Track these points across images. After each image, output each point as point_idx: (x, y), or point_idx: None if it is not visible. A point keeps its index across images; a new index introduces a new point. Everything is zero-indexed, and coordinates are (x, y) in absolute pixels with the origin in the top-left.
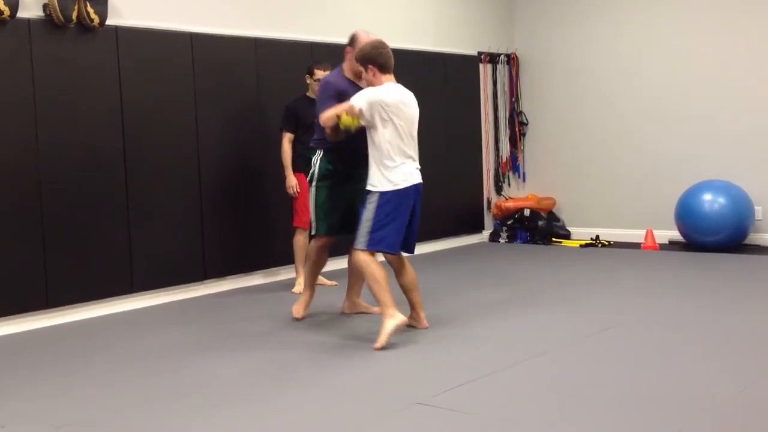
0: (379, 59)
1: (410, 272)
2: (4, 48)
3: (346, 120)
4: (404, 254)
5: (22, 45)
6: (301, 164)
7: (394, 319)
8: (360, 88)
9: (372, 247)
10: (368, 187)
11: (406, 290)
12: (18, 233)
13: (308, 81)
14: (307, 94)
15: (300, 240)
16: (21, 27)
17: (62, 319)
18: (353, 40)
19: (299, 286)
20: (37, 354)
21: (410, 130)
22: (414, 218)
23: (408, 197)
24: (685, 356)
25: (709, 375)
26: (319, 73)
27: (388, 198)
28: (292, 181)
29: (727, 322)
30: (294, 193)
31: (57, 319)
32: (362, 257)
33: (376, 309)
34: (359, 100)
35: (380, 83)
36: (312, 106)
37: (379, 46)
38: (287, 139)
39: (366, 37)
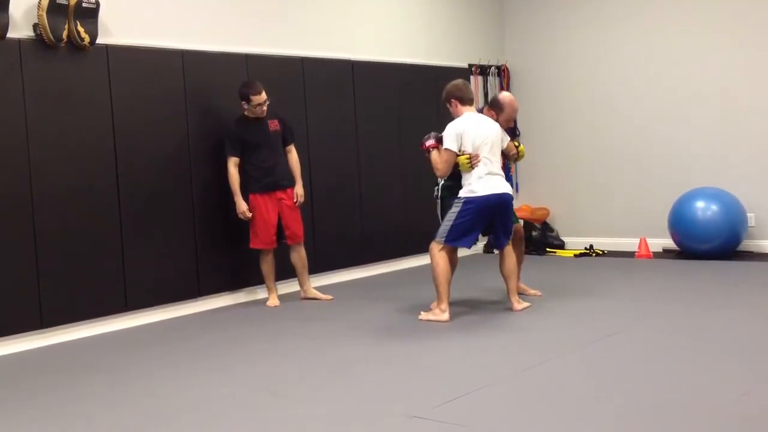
0: (458, 93)
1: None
2: None
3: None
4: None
5: (13, 65)
6: (253, 184)
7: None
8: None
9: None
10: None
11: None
12: (11, 253)
13: (244, 107)
14: (245, 114)
15: (268, 261)
16: (11, 47)
17: (57, 339)
18: (495, 103)
19: (273, 300)
20: (31, 375)
21: (489, 149)
22: (496, 222)
23: (481, 204)
24: (683, 363)
25: (708, 381)
26: (256, 98)
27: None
28: (242, 206)
29: (723, 328)
30: (246, 218)
31: (51, 339)
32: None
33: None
34: (445, 143)
35: (461, 113)
36: (253, 125)
37: (459, 85)
38: (233, 164)
39: (510, 101)
